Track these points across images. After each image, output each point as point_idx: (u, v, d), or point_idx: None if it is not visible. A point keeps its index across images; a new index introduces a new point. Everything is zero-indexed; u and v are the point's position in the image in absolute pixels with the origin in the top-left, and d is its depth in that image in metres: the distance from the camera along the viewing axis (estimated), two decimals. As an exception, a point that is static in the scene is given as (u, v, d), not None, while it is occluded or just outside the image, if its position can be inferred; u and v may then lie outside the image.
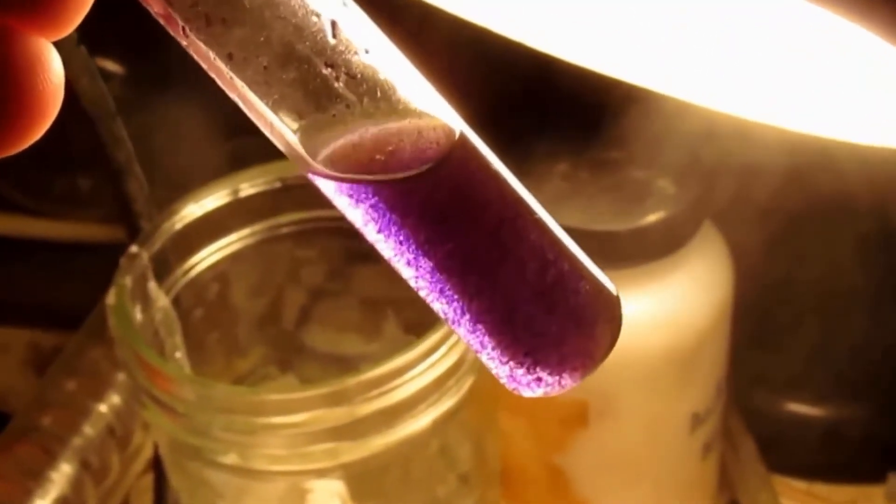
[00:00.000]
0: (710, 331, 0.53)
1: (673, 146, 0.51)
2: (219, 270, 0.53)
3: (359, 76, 0.20)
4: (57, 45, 0.19)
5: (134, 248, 0.50)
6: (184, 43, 0.20)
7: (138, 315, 0.49)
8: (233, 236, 0.53)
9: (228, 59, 0.20)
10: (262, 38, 0.19)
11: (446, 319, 0.21)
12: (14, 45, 0.18)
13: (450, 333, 0.44)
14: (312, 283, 0.57)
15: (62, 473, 0.56)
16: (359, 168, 0.20)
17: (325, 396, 0.43)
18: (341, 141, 0.20)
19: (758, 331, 0.62)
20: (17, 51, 0.18)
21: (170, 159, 0.60)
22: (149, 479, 0.58)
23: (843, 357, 0.62)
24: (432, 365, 0.44)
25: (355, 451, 0.45)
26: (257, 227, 0.53)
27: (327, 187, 0.21)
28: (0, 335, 0.74)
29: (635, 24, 0.35)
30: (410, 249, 0.21)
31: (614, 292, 0.22)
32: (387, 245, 0.21)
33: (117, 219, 0.57)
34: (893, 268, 0.61)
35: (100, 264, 0.51)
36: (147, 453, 0.59)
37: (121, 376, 0.58)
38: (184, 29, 0.19)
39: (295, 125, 0.20)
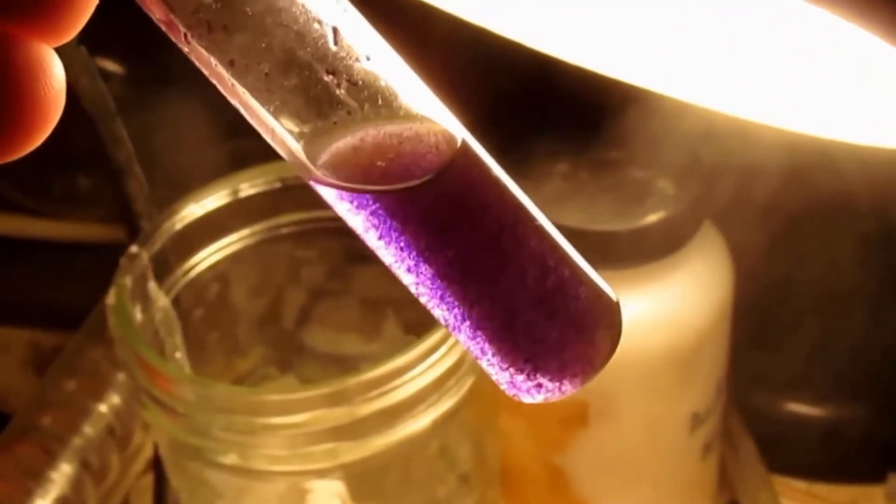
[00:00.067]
0: (710, 331, 0.53)
1: (672, 146, 0.51)
2: (219, 270, 0.53)
3: (360, 83, 0.20)
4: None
5: (134, 248, 0.50)
6: (185, 49, 0.20)
7: (138, 315, 0.49)
8: (233, 236, 0.53)
9: (230, 65, 0.20)
10: (263, 45, 0.20)
11: (447, 326, 0.21)
12: (16, 52, 0.18)
13: (450, 334, 0.44)
14: (312, 283, 0.57)
15: (62, 473, 0.56)
16: (360, 174, 0.20)
17: (326, 396, 0.43)
18: (342, 148, 0.20)
19: (758, 331, 0.62)
20: (18, 57, 0.18)
21: (170, 159, 0.60)
22: (149, 479, 0.58)
23: (843, 357, 0.62)
24: (432, 365, 0.44)
25: (355, 452, 0.45)
26: (257, 227, 0.53)
27: (328, 194, 0.21)
28: (0, 335, 0.74)
29: (635, 25, 0.35)
30: (411, 256, 0.21)
31: (614, 298, 0.22)
32: (388, 252, 0.21)
33: (117, 219, 0.57)
34: (893, 268, 0.61)
35: (100, 264, 0.51)
36: (147, 453, 0.59)
37: (121, 376, 0.58)
38: (185, 35, 0.19)
39: (296, 132, 0.20)
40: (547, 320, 0.21)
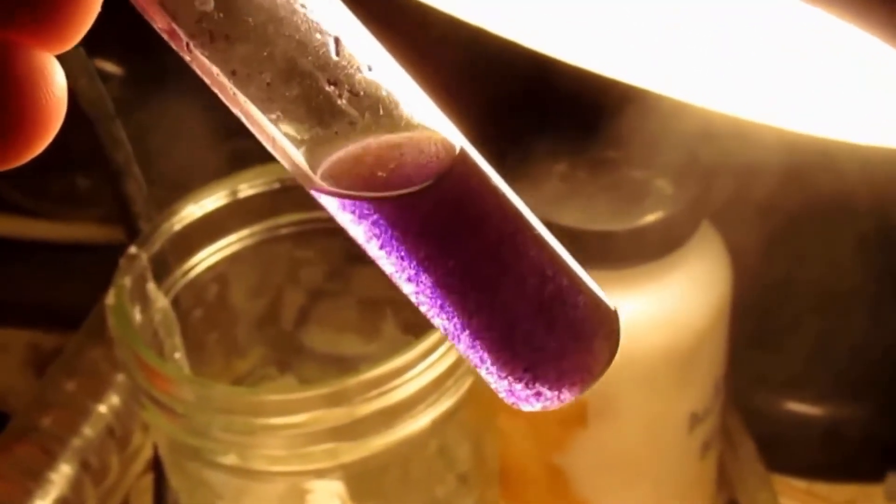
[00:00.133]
0: (709, 330, 0.53)
1: (671, 146, 0.51)
2: (218, 271, 0.53)
3: (362, 93, 0.20)
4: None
5: (133, 249, 0.50)
6: (187, 58, 0.20)
7: (137, 316, 0.49)
8: (232, 237, 0.53)
9: (232, 74, 0.20)
10: (265, 55, 0.20)
11: (446, 334, 0.21)
12: (17, 59, 0.18)
13: (448, 335, 0.44)
14: (311, 283, 0.57)
15: (62, 474, 0.56)
16: (361, 184, 0.20)
17: (325, 397, 0.43)
18: (344, 157, 0.21)
19: (757, 331, 0.62)
20: (19, 65, 0.18)
21: (168, 160, 0.60)
22: (148, 480, 0.58)
23: (842, 357, 0.62)
24: (431, 365, 0.45)
25: (354, 452, 0.45)
26: (256, 227, 0.53)
27: (330, 204, 0.21)
28: (0, 335, 0.74)
29: (631, 25, 0.35)
30: (411, 265, 0.21)
31: (612, 307, 0.22)
32: (388, 261, 0.21)
33: (116, 219, 0.57)
34: (892, 267, 0.61)
35: (99, 265, 0.51)
36: (146, 454, 0.60)
37: (120, 377, 0.58)
38: (188, 44, 0.19)
39: (297, 141, 0.20)
40: (545, 329, 0.21)
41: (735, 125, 0.35)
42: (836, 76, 0.31)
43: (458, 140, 0.21)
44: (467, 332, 0.21)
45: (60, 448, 0.56)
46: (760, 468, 0.61)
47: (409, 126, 0.21)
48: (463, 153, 0.21)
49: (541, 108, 0.57)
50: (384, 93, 0.20)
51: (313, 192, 0.21)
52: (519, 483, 0.58)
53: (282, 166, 0.50)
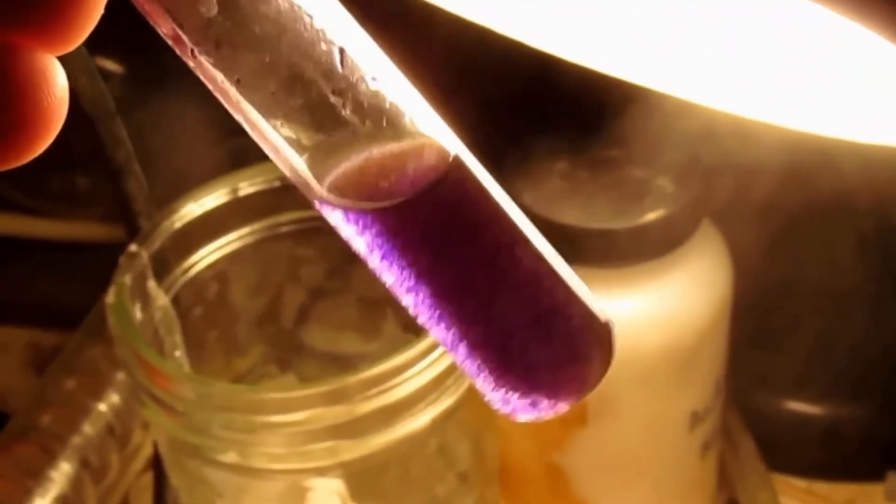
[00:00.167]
0: (709, 329, 0.53)
1: (671, 145, 0.51)
2: (218, 269, 0.53)
3: (366, 104, 0.20)
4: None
5: (133, 247, 0.50)
6: (191, 64, 0.20)
7: (138, 314, 0.49)
8: (232, 235, 0.53)
9: (236, 83, 0.20)
10: (271, 64, 0.20)
11: (444, 345, 0.21)
12: (18, 61, 0.18)
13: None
14: (312, 281, 0.57)
15: (62, 472, 0.56)
16: (364, 195, 0.21)
17: (325, 395, 0.43)
18: (347, 168, 0.21)
19: (758, 330, 0.62)
20: (21, 66, 0.18)
21: (169, 158, 0.60)
22: (148, 478, 0.58)
23: (842, 356, 0.62)
24: (431, 364, 0.45)
25: (355, 450, 0.45)
26: (257, 225, 0.54)
27: (333, 215, 0.21)
28: (0, 335, 0.74)
29: (635, 24, 0.35)
30: (410, 276, 0.21)
31: (607, 318, 0.22)
32: (389, 273, 0.21)
33: (116, 218, 0.57)
34: (893, 267, 0.61)
35: (99, 264, 0.51)
36: (146, 452, 0.60)
37: (120, 375, 0.58)
38: (192, 51, 0.19)
39: (300, 150, 0.20)
40: (541, 340, 0.21)
41: (736, 125, 0.35)
42: (842, 76, 0.31)
43: (459, 150, 0.21)
44: (464, 342, 0.21)
45: (60, 447, 0.56)
46: (761, 467, 0.61)
47: (412, 136, 0.21)
48: (463, 164, 0.21)
49: (542, 107, 0.57)
50: (388, 104, 0.21)
51: (315, 203, 0.21)
52: (519, 482, 0.58)
53: (282, 164, 0.49)
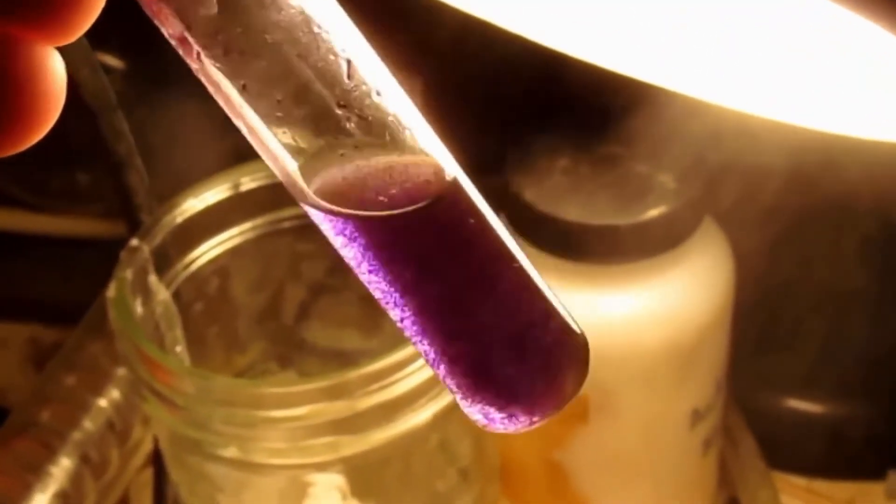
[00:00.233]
0: (711, 326, 0.53)
1: (674, 142, 0.51)
2: (219, 264, 0.53)
3: (370, 117, 0.20)
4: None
5: (134, 242, 0.50)
6: (194, 66, 0.20)
7: (139, 308, 0.49)
8: (233, 230, 0.53)
9: (242, 89, 0.20)
10: (278, 73, 0.20)
11: (426, 360, 0.22)
12: (18, 53, 0.18)
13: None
14: (313, 278, 0.57)
15: (62, 468, 0.56)
16: (362, 207, 0.21)
17: (326, 390, 0.43)
18: (347, 180, 0.21)
19: (761, 331, 0.62)
20: (20, 58, 0.18)
21: (170, 154, 0.60)
22: (148, 474, 0.58)
23: (845, 356, 0.62)
24: (433, 360, 0.44)
25: (355, 445, 0.45)
26: (258, 221, 0.54)
27: (324, 225, 0.21)
28: (0, 330, 0.74)
29: (638, 24, 0.35)
30: (396, 290, 0.21)
31: (581, 331, 0.22)
32: (377, 286, 0.21)
33: (117, 215, 0.57)
34: (895, 267, 0.61)
35: (99, 259, 0.51)
36: (147, 448, 0.59)
37: (120, 371, 0.58)
38: (198, 54, 0.19)
39: (301, 161, 0.20)
40: (518, 355, 0.21)
41: (739, 125, 0.35)
42: (843, 76, 0.31)
43: (453, 168, 0.21)
44: (445, 357, 0.21)
45: (60, 442, 0.56)
46: (761, 466, 0.61)
47: (413, 152, 0.21)
48: (455, 181, 0.21)
49: (545, 103, 0.57)
50: (391, 119, 0.21)
51: (308, 209, 0.21)
52: (519, 479, 0.58)
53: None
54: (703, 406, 0.55)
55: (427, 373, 0.44)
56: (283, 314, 0.58)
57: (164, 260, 0.51)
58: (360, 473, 0.47)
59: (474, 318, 0.21)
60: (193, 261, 0.53)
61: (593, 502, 0.57)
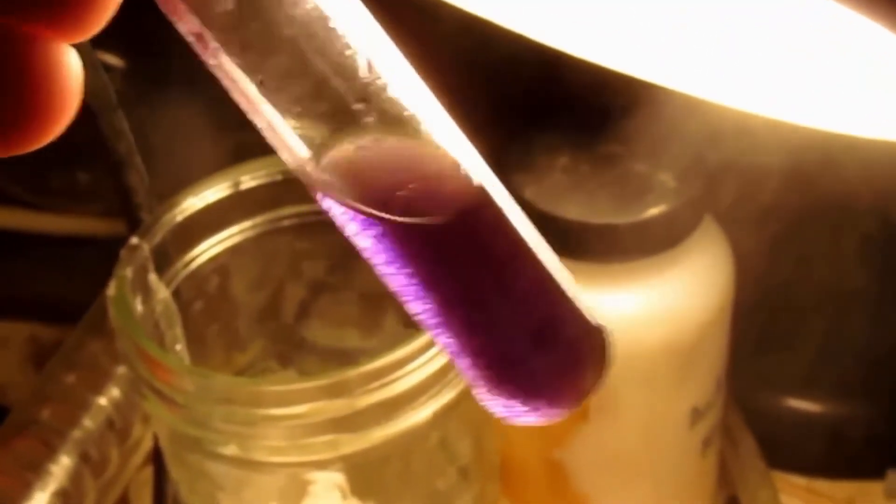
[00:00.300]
0: (711, 325, 0.53)
1: (674, 141, 0.51)
2: (219, 263, 0.53)
3: (388, 113, 0.20)
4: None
5: (134, 240, 0.50)
6: (210, 62, 0.19)
7: (139, 306, 0.49)
8: (233, 229, 0.53)
9: (259, 85, 0.20)
10: (295, 69, 0.20)
11: (447, 352, 0.22)
12: (34, 51, 0.18)
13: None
14: (313, 276, 0.57)
15: (61, 466, 0.56)
16: (379, 202, 0.21)
17: (326, 388, 0.43)
18: (365, 175, 0.21)
19: (760, 330, 0.62)
20: (37, 56, 0.18)
21: (170, 153, 0.60)
22: (148, 472, 0.58)
23: (845, 356, 0.63)
24: (433, 357, 0.45)
25: (355, 443, 0.45)
26: (258, 219, 0.54)
27: (341, 218, 0.21)
28: (0, 329, 0.74)
29: (638, 24, 0.35)
30: (417, 283, 0.21)
31: (603, 324, 0.22)
32: (396, 279, 0.21)
33: (117, 213, 0.57)
34: (895, 267, 0.61)
35: (99, 258, 0.51)
36: (147, 446, 0.60)
37: (120, 369, 0.58)
38: (215, 51, 0.19)
39: (319, 156, 0.20)
40: (541, 349, 0.21)
41: (739, 125, 0.36)
42: (843, 76, 0.31)
43: (475, 162, 0.21)
44: (465, 350, 0.21)
45: (60, 441, 0.56)
46: (761, 465, 0.61)
47: (432, 146, 0.21)
48: (476, 176, 0.21)
49: (545, 102, 0.57)
50: (410, 114, 0.21)
51: (321, 199, 0.21)
52: (519, 478, 0.58)
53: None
54: (703, 405, 0.55)
55: (427, 371, 0.44)
56: (283, 313, 0.58)
57: (164, 258, 0.51)
58: (360, 471, 0.47)
59: (497, 311, 0.21)
60: (193, 259, 0.53)
61: (593, 501, 0.57)
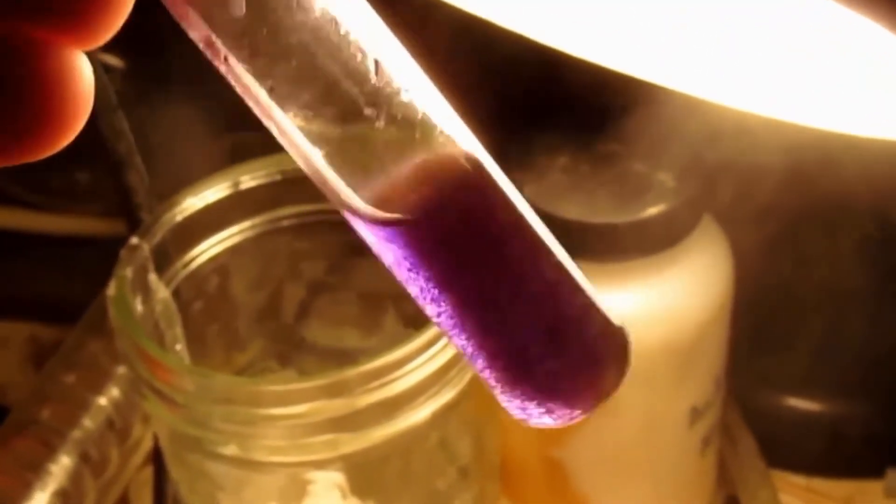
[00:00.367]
0: (710, 324, 0.53)
1: (673, 141, 0.51)
2: (219, 263, 0.53)
3: (399, 116, 0.20)
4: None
5: (134, 240, 0.50)
6: (222, 69, 0.19)
7: (138, 306, 0.49)
8: (233, 229, 0.53)
9: (270, 91, 0.20)
10: (306, 74, 0.20)
11: (464, 354, 0.22)
12: (47, 57, 0.18)
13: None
14: (312, 276, 0.57)
15: (61, 466, 0.56)
16: (395, 206, 0.21)
17: (325, 387, 0.43)
18: (377, 179, 0.21)
19: (759, 329, 0.62)
20: (49, 62, 0.18)
21: (170, 153, 0.60)
22: (148, 472, 0.58)
23: (844, 355, 0.63)
24: (432, 357, 0.45)
25: (355, 443, 0.45)
26: (257, 219, 0.54)
27: (361, 227, 0.21)
28: (0, 329, 0.74)
29: (638, 24, 0.35)
30: (433, 286, 0.21)
31: (622, 325, 0.22)
32: (414, 285, 0.21)
33: (116, 213, 0.57)
34: (894, 266, 0.61)
35: (99, 258, 0.51)
36: (146, 446, 0.60)
37: (120, 369, 0.58)
38: (226, 57, 0.19)
39: (331, 161, 0.20)
40: (559, 349, 0.21)
41: (739, 125, 0.36)
42: (843, 76, 0.31)
43: (485, 161, 0.21)
44: (482, 351, 0.21)
45: (60, 441, 0.56)
46: (761, 464, 0.61)
47: (443, 149, 0.21)
48: (489, 177, 0.21)
49: (545, 101, 0.57)
50: (421, 116, 0.21)
51: (345, 214, 0.21)
52: (518, 477, 0.58)
53: (283, 158, 0.50)
54: (702, 404, 0.55)
55: (426, 371, 0.44)
56: (283, 312, 0.58)
57: (164, 258, 0.51)
58: (360, 471, 0.47)
59: (512, 312, 0.21)
60: (193, 259, 0.53)
61: (592, 500, 0.57)
